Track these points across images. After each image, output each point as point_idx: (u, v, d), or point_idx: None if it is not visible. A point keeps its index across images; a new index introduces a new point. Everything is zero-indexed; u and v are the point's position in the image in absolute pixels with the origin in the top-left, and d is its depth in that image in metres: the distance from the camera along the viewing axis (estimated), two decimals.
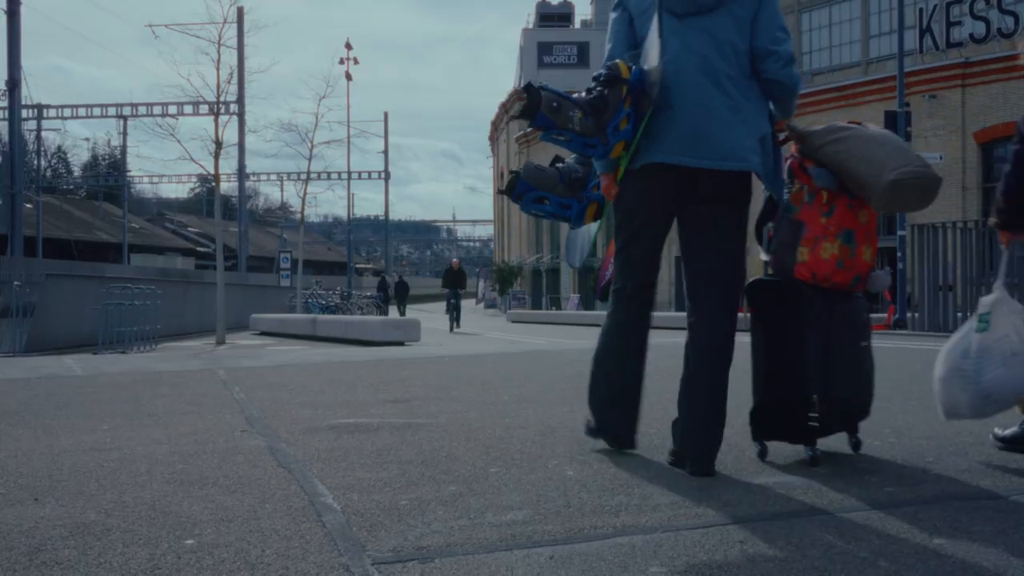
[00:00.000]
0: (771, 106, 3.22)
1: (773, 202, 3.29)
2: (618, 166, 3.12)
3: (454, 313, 24.51)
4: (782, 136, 3.28)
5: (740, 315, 3.21)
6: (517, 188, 3.36)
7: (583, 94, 3.02)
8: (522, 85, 3.10)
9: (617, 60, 3.11)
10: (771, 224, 3.32)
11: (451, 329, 23.42)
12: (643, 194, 3.16)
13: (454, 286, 25.04)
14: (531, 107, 2.97)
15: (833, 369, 3.15)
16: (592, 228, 3.51)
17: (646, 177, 3.11)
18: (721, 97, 3.05)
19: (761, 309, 3.31)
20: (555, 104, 2.98)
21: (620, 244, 3.30)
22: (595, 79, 3.05)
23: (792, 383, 3.18)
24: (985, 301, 3.31)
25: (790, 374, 3.19)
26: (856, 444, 3.39)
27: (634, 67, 3.07)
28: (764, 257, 3.37)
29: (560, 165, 3.41)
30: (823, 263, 3.15)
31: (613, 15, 3.30)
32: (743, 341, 3.19)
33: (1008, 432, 3.42)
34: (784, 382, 3.21)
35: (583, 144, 3.06)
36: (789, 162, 3.29)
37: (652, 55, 2.99)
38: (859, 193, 3.13)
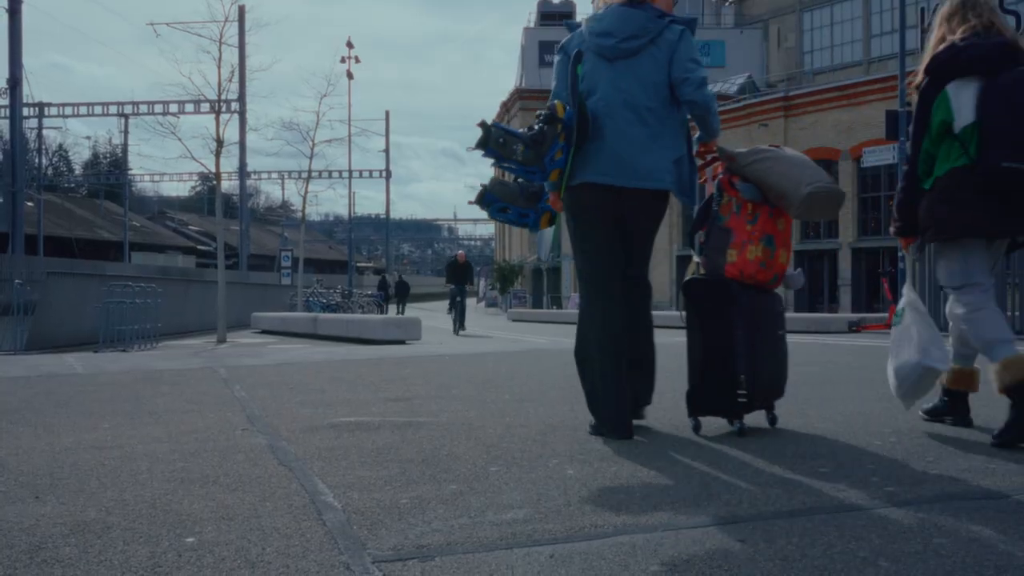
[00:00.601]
0: (696, 130, 3.85)
1: (704, 213, 3.84)
2: (560, 186, 3.76)
3: (457, 313, 22.02)
4: (710, 157, 3.89)
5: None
6: (485, 199, 3.97)
7: (533, 126, 3.64)
8: (478, 122, 3.63)
9: (556, 101, 3.70)
10: (702, 232, 3.85)
11: (455, 331, 21.27)
12: (582, 206, 3.79)
13: (459, 282, 22.16)
14: (482, 141, 3.59)
15: (757, 354, 3.69)
16: (550, 231, 4.34)
17: (583, 192, 3.74)
18: (642, 128, 3.66)
19: (695, 303, 3.83)
20: (501, 140, 3.61)
21: (578, 251, 3.89)
22: (537, 117, 3.67)
23: (723, 366, 3.70)
24: (902, 300, 3.95)
25: (721, 358, 3.70)
26: (773, 420, 3.93)
27: (568, 108, 3.67)
28: (697, 259, 3.88)
29: (521, 181, 3.90)
30: (749, 263, 3.70)
31: (556, 58, 3.93)
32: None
33: (929, 406, 4.03)
34: (716, 366, 3.73)
35: (525, 171, 3.71)
36: (719, 178, 3.84)
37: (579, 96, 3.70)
38: (779, 204, 3.73)
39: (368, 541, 2.28)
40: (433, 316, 30.30)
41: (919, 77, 3.79)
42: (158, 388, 5.81)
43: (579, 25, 3.93)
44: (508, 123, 53.33)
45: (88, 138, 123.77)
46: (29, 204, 46.05)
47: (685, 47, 3.70)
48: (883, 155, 18.44)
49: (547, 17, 55.22)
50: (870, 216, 30.17)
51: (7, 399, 5.30)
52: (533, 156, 3.62)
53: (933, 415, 4.04)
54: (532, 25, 55.10)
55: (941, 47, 3.70)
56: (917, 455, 3.29)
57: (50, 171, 70.74)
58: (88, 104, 45.85)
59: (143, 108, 42.91)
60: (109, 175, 67.20)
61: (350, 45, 46.82)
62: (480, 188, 4.01)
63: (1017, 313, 13.28)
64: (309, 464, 3.25)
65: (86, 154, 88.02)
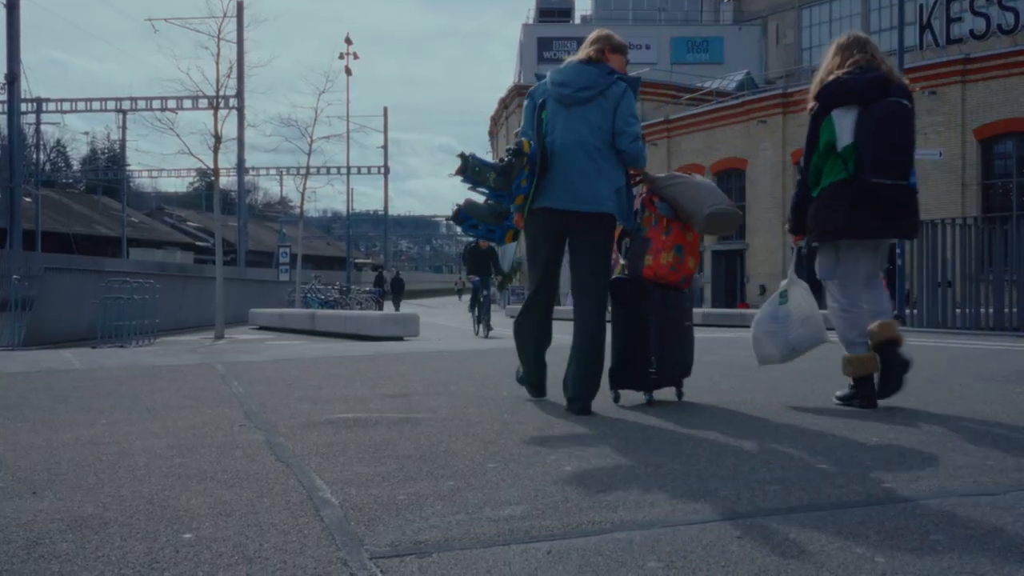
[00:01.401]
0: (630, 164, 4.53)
1: (630, 229, 4.66)
2: (523, 208, 4.47)
3: (482, 310, 17.92)
4: (637, 179, 4.64)
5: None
6: (460, 216, 4.62)
7: (503, 159, 4.38)
8: (458, 154, 4.33)
9: (523, 139, 4.45)
10: (627, 240, 4.68)
11: (476, 331, 17.78)
12: (541, 226, 4.53)
13: (483, 272, 17.92)
14: (462, 169, 4.35)
15: (665, 340, 4.49)
16: (512, 245, 4.93)
17: (542, 215, 4.47)
18: (590, 163, 4.38)
19: (618, 297, 4.62)
20: (477, 168, 4.36)
21: (529, 258, 4.67)
22: (507, 151, 4.40)
23: (638, 349, 4.49)
24: (784, 283, 4.75)
25: (637, 342, 4.50)
26: (680, 395, 4.73)
27: (533, 144, 4.39)
28: (623, 262, 4.73)
29: (491, 202, 4.54)
30: (662, 267, 4.52)
31: (526, 102, 4.69)
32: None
33: (841, 393, 4.59)
34: (633, 348, 4.52)
35: (496, 195, 4.44)
36: (642, 197, 4.66)
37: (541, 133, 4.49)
38: (687, 221, 4.55)
39: (365, 537, 2.28)
40: (432, 312, 30.29)
41: (811, 103, 4.48)
42: (156, 384, 5.80)
43: (545, 76, 4.65)
44: (507, 119, 53.44)
45: (86, 133, 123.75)
46: (27, 200, 45.99)
47: (627, 103, 4.44)
48: None
49: (546, 13, 55.17)
50: None
51: (5, 395, 5.30)
52: (503, 183, 4.37)
53: (845, 401, 4.55)
54: (531, 21, 55.04)
55: (829, 78, 4.43)
56: (914, 452, 3.30)
57: (48, 167, 70.73)
58: (86, 100, 45.85)
59: (141, 104, 42.91)
60: (107, 171, 67.15)
61: (348, 41, 46.90)
62: (456, 207, 4.64)
63: (1015, 310, 13.29)
64: (307, 460, 3.25)
65: (84, 150, 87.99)
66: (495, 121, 60.97)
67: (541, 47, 51.61)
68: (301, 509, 2.55)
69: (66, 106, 46.16)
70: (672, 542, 2.22)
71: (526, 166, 4.36)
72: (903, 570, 2.00)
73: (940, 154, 20.68)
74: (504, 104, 55.93)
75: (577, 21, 55.68)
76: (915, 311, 14.94)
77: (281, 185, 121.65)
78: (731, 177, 34.54)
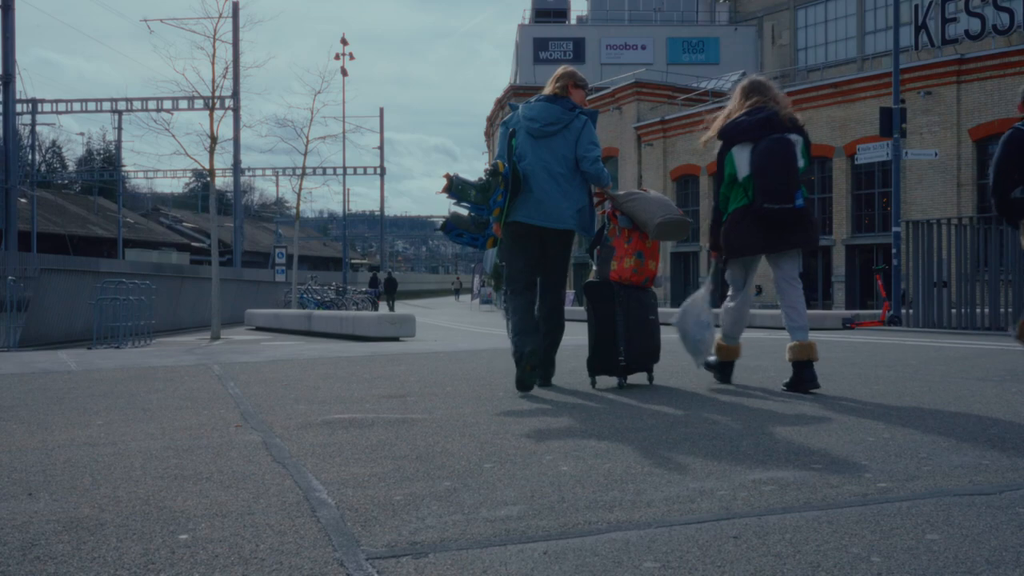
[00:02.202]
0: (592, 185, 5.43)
1: (598, 236, 5.46)
2: (500, 220, 5.27)
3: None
4: (602, 198, 5.52)
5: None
6: (447, 227, 5.31)
7: (482, 178, 5.20)
8: (444, 175, 5.15)
9: (498, 160, 5.23)
10: (598, 248, 5.44)
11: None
12: (514, 238, 5.38)
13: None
14: (447, 187, 5.17)
15: (632, 332, 5.28)
16: (493, 251, 5.54)
17: (516, 227, 5.33)
18: (555, 186, 5.24)
19: (591, 297, 5.40)
20: (460, 187, 5.16)
21: (508, 261, 5.45)
22: (485, 171, 5.25)
23: (609, 340, 5.29)
24: (702, 286, 5.51)
25: (608, 335, 5.30)
26: (651, 379, 5.51)
27: (506, 166, 5.20)
28: (594, 267, 5.48)
29: (473, 215, 5.25)
30: (625, 270, 5.34)
31: (500, 130, 5.51)
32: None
33: (711, 359, 5.51)
34: (604, 340, 5.31)
35: (477, 208, 5.21)
36: (607, 212, 5.49)
37: (512, 159, 5.32)
38: (643, 230, 5.33)
39: (362, 538, 2.28)
40: (428, 313, 30.28)
41: (713, 136, 5.32)
42: (152, 385, 5.80)
43: (517, 107, 5.45)
44: (503, 119, 53.49)
45: (82, 134, 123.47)
46: (23, 201, 45.93)
47: (587, 133, 5.28)
48: (877, 152, 18.44)
49: (542, 14, 55.12)
50: (864, 213, 30.22)
51: (0, 396, 5.29)
52: (482, 198, 5.17)
53: (708, 367, 5.55)
54: (527, 22, 55.01)
55: (728, 121, 5.20)
56: (910, 451, 3.30)
57: (43, 168, 70.59)
58: (82, 100, 45.80)
59: (137, 104, 42.89)
60: (103, 172, 67.07)
61: (344, 42, 46.85)
62: (444, 219, 5.37)
63: (1010, 309, 13.31)
64: (303, 461, 3.24)
65: (80, 150, 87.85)
66: (491, 122, 60.95)
67: (537, 47, 51.61)
68: (297, 510, 2.55)
69: (61, 107, 46.10)
70: (668, 542, 2.23)
71: (501, 183, 5.18)
72: (899, 570, 2.01)
73: (935, 154, 20.70)
74: (500, 104, 55.90)
75: (573, 22, 55.67)
76: (911, 311, 14.96)
77: (277, 186, 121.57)
78: None
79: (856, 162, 21.75)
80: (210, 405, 4.79)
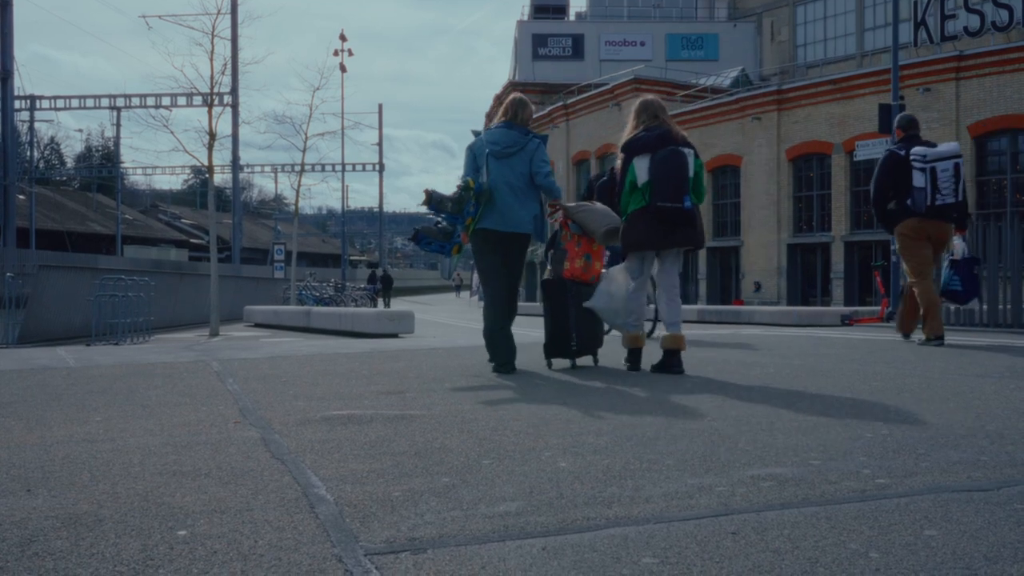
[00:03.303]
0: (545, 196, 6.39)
1: (552, 241, 6.51)
2: (468, 228, 6.22)
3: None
4: (555, 209, 6.46)
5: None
6: (419, 237, 6.30)
7: (454, 191, 6.15)
8: (424, 190, 6.14)
9: (468, 178, 6.20)
10: (552, 251, 6.45)
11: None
12: (482, 241, 6.27)
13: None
14: (427, 201, 6.14)
15: (581, 322, 6.25)
16: (456, 257, 6.43)
17: (482, 234, 6.24)
18: (515, 198, 6.17)
19: (547, 293, 6.42)
20: (438, 200, 6.12)
21: (478, 268, 6.43)
22: (458, 187, 6.16)
23: (562, 328, 6.31)
24: (604, 273, 6.34)
25: (561, 324, 6.31)
26: (595, 360, 6.55)
27: (476, 182, 6.15)
28: (549, 267, 6.47)
29: (440, 225, 6.24)
30: (576, 269, 6.33)
31: (467, 152, 6.38)
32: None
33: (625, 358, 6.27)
34: (558, 328, 6.33)
35: (452, 218, 6.18)
36: (560, 221, 6.46)
37: (484, 175, 6.22)
38: (590, 236, 6.34)
39: (360, 534, 2.28)
40: (427, 309, 30.26)
41: (619, 156, 6.13)
42: (151, 381, 5.80)
43: (480, 133, 6.44)
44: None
45: (80, 131, 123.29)
46: (21, 197, 45.88)
47: (539, 153, 6.26)
48: (876, 148, 18.43)
49: (541, 10, 55.06)
50: (863, 210, 30.21)
51: None
52: (456, 208, 6.14)
53: (627, 359, 6.25)
54: (526, 18, 54.94)
55: (631, 136, 6.05)
56: (908, 448, 3.31)
57: (42, 164, 70.52)
58: (80, 97, 45.67)
59: (135, 101, 42.78)
60: (101, 168, 67.00)
61: (343, 38, 46.72)
62: (414, 231, 6.38)
63: (1009, 306, 13.31)
64: (302, 457, 3.25)
65: (78, 147, 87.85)
66: (489, 118, 60.90)
67: (536, 44, 51.56)
68: (296, 506, 2.55)
69: (60, 103, 45.99)
70: (667, 538, 2.23)
71: (473, 197, 6.14)
72: (897, 566, 2.01)
73: None
74: (499, 101, 55.89)
75: (571, 17, 55.61)
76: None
77: (276, 182, 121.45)
78: (726, 174, 34.59)
79: (855, 159, 21.76)
80: (209, 401, 4.79)
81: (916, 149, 8.07)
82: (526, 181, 6.20)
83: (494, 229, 6.19)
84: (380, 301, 38.28)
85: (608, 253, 7.31)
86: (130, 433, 3.80)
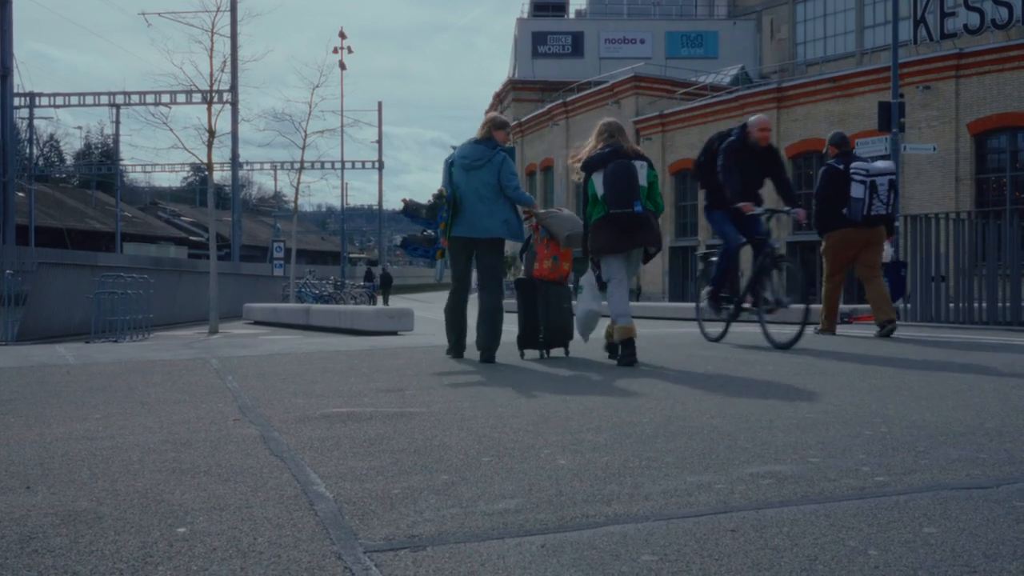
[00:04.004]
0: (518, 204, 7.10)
1: (526, 244, 7.15)
2: (446, 233, 6.92)
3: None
4: (526, 216, 7.18)
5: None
6: (405, 243, 7.14)
7: (429, 200, 6.91)
8: (402, 199, 7.02)
9: (441, 187, 6.94)
10: (525, 253, 7.17)
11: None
12: (458, 246, 6.98)
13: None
14: (404, 209, 6.99)
15: (550, 316, 6.91)
16: (443, 261, 7.14)
17: (456, 241, 6.95)
18: (482, 206, 6.83)
19: (520, 290, 7.10)
20: (414, 207, 6.91)
21: (451, 266, 7.14)
22: (432, 196, 6.90)
23: (532, 322, 6.96)
24: (582, 279, 7.09)
25: (531, 318, 6.96)
26: (567, 352, 7.14)
27: (448, 191, 6.89)
28: (522, 267, 7.20)
29: (426, 232, 6.99)
30: (545, 269, 7.00)
31: (444, 166, 7.11)
32: None
33: (607, 350, 6.94)
34: (529, 322, 6.98)
35: (427, 224, 6.92)
36: (532, 225, 7.15)
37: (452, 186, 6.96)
38: (556, 240, 7.01)
39: (360, 531, 2.28)
40: (427, 307, 30.23)
41: (579, 173, 6.83)
42: (150, 379, 5.80)
43: (454, 149, 7.28)
44: (502, 113, 53.34)
45: (79, 128, 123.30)
46: (20, 195, 45.85)
47: (507, 166, 6.92)
48: (875, 146, 18.43)
49: (540, 8, 55.02)
50: None
51: None
52: (431, 215, 6.86)
53: (611, 354, 6.79)
54: (525, 16, 54.91)
55: (591, 154, 6.72)
56: (907, 445, 3.31)
57: (41, 161, 70.42)
58: (79, 94, 45.59)
59: (135, 98, 42.68)
60: (101, 165, 66.90)
61: (343, 35, 46.64)
62: (402, 239, 7.24)
63: (1008, 304, 13.32)
64: (301, 454, 3.25)
65: (77, 144, 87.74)
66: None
67: (536, 41, 51.55)
68: (295, 503, 2.55)
69: (59, 100, 45.90)
70: (666, 535, 2.23)
71: (446, 204, 6.86)
72: (896, 563, 2.01)
73: (934, 148, 20.72)
74: (499, 98, 55.88)
75: (571, 15, 55.58)
76: (909, 305, 14.96)
77: (275, 180, 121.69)
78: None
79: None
80: (208, 399, 4.79)
81: (856, 164, 8.95)
82: (494, 190, 6.84)
83: (466, 236, 6.88)
84: (379, 299, 38.25)
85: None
86: (129, 430, 3.80)
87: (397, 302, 36.81)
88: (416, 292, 65.94)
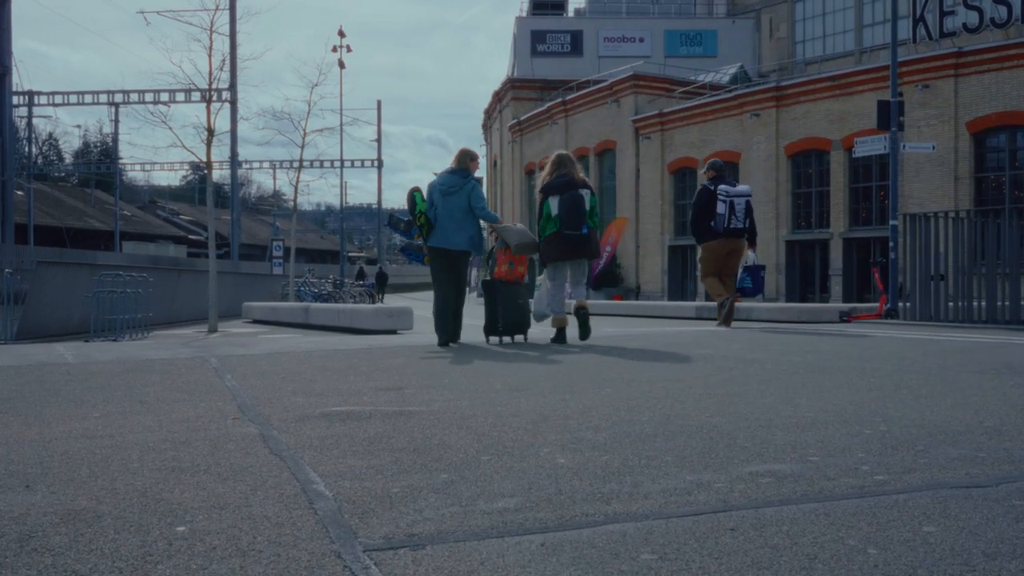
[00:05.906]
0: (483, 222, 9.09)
1: (489, 253, 9.12)
2: (423, 244, 8.78)
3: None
4: (492, 229, 9.21)
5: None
6: (404, 248, 8.76)
7: (408, 218, 8.89)
8: (388, 212, 9.02)
9: (420, 210, 8.64)
10: (489, 260, 8.97)
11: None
12: (436, 254, 8.80)
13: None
14: (389, 221, 9.51)
15: (508, 310, 8.75)
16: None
17: (433, 250, 8.77)
18: (454, 224, 8.68)
19: (485, 289, 8.81)
20: (396, 221, 9.21)
21: (432, 276, 8.92)
22: (410, 216, 8.81)
23: (493, 313, 8.74)
24: (539, 279, 9.22)
25: (493, 311, 8.74)
26: (525, 338, 9.02)
27: (428, 209, 8.69)
28: (487, 270, 9.04)
29: (419, 243, 8.83)
30: (503, 271, 8.86)
31: (428, 188, 8.79)
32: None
33: (552, 337, 8.88)
34: (492, 314, 8.74)
35: (403, 234, 9.11)
36: (493, 236, 9.11)
37: (430, 206, 8.85)
38: (510, 246, 8.80)
39: (359, 530, 2.28)
40: (426, 306, 30.23)
41: (540, 195, 8.86)
42: (149, 378, 5.79)
43: (436, 176, 8.98)
44: (500, 112, 53.46)
45: (78, 127, 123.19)
46: (19, 193, 45.83)
47: (476, 192, 8.77)
48: (874, 145, 18.42)
49: (539, 6, 54.97)
50: (861, 206, 30.22)
51: None
52: (406, 229, 8.92)
53: (554, 341, 8.70)
54: (524, 14, 54.86)
55: (546, 181, 8.83)
56: (907, 444, 3.31)
57: (40, 160, 70.40)
58: (78, 93, 45.56)
59: (133, 97, 42.67)
60: (99, 164, 66.91)
61: (342, 34, 46.63)
62: (388, 215, 8.70)
63: (1007, 303, 13.33)
64: (300, 453, 3.25)
65: (76, 143, 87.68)
66: (488, 114, 60.89)
67: (535, 40, 51.48)
68: (295, 502, 2.55)
69: (58, 99, 45.88)
70: (666, 534, 2.23)
71: (416, 225, 8.72)
72: (895, 562, 2.01)
73: (933, 147, 20.71)
74: (498, 97, 55.83)
75: (570, 14, 55.53)
76: (908, 304, 14.97)
77: (274, 178, 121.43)
78: (724, 170, 34.56)
79: (854, 155, 21.75)
80: (207, 398, 4.79)
81: (721, 187, 11.50)
82: (464, 212, 8.70)
83: (440, 247, 8.74)
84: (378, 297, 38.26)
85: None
86: (129, 429, 3.80)
87: (396, 300, 36.81)
88: (416, 292, 65.92)
